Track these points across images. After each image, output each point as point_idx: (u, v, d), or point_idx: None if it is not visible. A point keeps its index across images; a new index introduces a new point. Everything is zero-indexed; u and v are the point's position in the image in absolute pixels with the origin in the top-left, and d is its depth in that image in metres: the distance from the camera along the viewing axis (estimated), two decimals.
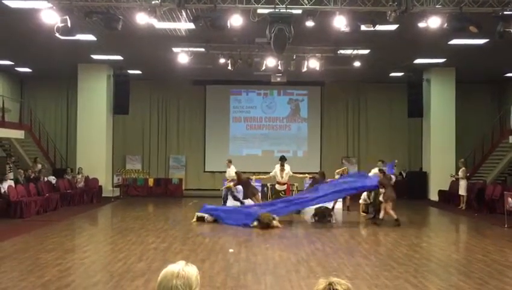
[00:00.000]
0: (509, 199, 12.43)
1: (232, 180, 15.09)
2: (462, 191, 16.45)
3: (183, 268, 2.19)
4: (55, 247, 9.41)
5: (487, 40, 13.54)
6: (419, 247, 10.04)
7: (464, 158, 17.82)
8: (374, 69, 18.18)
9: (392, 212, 12.64)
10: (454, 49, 15.15)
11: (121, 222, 13.32)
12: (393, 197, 12.77)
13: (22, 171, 16.26)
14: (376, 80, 21.23)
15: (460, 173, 16.62)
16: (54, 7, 9.30)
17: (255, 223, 12.08)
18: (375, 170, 14.46)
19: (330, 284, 2.08)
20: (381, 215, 12.88)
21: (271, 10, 9.69)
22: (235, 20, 9.77)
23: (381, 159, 15.55)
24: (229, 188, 15.20)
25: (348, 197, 15.68)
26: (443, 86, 19.47)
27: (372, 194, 14.80)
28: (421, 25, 10.37)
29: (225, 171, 16.60)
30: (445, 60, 17.52)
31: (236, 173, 15.09)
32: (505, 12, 9.45)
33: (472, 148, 20.81)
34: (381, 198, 13.04)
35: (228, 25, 9.73)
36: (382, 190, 12.84)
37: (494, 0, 9.61)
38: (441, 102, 19.51)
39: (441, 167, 18.97)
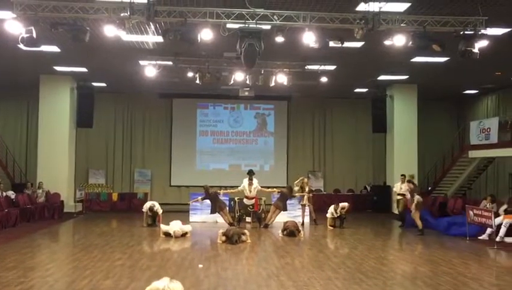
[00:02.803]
0: (470, 213, 12.81)
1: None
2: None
3: (168, 285, 2.15)
4: (16, 265, 9.02)
5: (448, 58, 14.06)
6: (387, 260, 10.19)
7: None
8: (339, 85, 18.52)
9: (419, 222, 13.60)
10: (417, 66, 15.64)
11: (84, 238, 12.92)
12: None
13: None
14: (341, 95, 21.64)
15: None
16: (19, 18, 9.06)
17: (223, 238, 11.96)
18: (398, 184, 15.93)
19: None
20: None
21: (241, 25, 9.76)
22: (205, 35, 9.78)
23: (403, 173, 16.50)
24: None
25: (313, 211, 15.78)
26: (405, 102, 20.02)
27: (339, 207, 15.00)
28: (387, 42, 10.68)
29: (192, 186, 16.38)
30: (407, 76, 18.05)
31: (204, 187, 14.99)
32: (466, 32, 9.87)
33: (433, 162, 21.44)
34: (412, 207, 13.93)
35: (198, 39, 9.73)
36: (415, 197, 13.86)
37: (456, 21, 10.02)
38: (403, 118, 20.03)
39: None
